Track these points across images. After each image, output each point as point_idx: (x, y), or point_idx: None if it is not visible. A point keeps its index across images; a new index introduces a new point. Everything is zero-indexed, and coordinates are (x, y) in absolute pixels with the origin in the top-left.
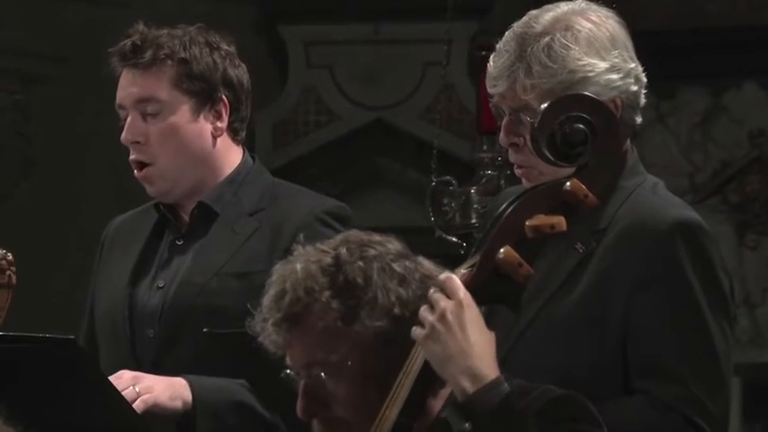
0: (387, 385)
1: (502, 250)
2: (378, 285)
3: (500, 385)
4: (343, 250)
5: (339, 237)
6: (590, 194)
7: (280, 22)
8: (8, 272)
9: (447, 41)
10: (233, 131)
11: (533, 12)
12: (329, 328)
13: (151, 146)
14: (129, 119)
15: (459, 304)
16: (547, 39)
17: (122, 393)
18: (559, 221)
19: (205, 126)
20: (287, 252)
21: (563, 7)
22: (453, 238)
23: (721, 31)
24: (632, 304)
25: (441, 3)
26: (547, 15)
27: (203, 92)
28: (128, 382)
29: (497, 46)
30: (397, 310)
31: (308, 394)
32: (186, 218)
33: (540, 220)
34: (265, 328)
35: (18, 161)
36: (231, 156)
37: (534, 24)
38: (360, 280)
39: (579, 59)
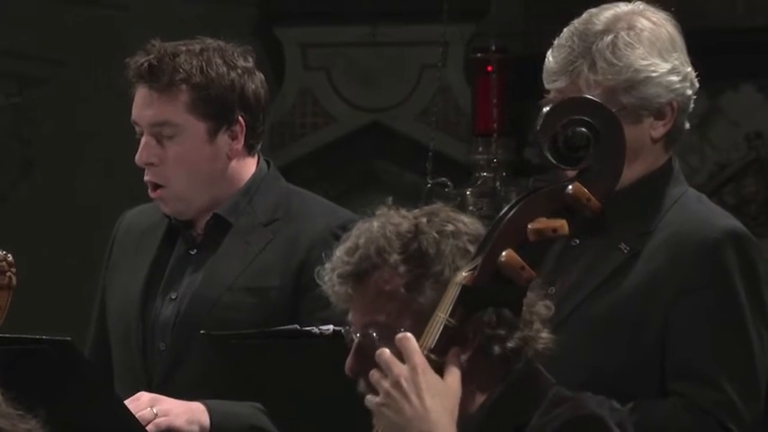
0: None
1: (504, 253)
2: (447, 261)
3: None
4: (424, 220)
5: (428, 207)
6: (592, 198)
7: (276, 24)
8: (8, 273)
9: (443, 44)
10: (249, 148)
11: (593, 9)
12: (392, 292)
13: (165, 168)
14: (143, 140)
15: (414, 370)
16: (611, 36)
17: (139, 414)
18: (561, 225)
19: (221, 148)
20: (301, 267)
21: (623, 7)
22: None
23: (719, 33)
24: (676, 307)
25: (437, 5)
26: (607, 13)
27: (220, 114)
28: (145, 404)
29: (556, 41)
30: None
31: (360, 353)
32: (199, 227)
33: (542, 223)
34: (332, 279)
35: (16, 163)
36: (246, 168)
37: (596, 21)
38: (431, 251)
39: (644, 59)
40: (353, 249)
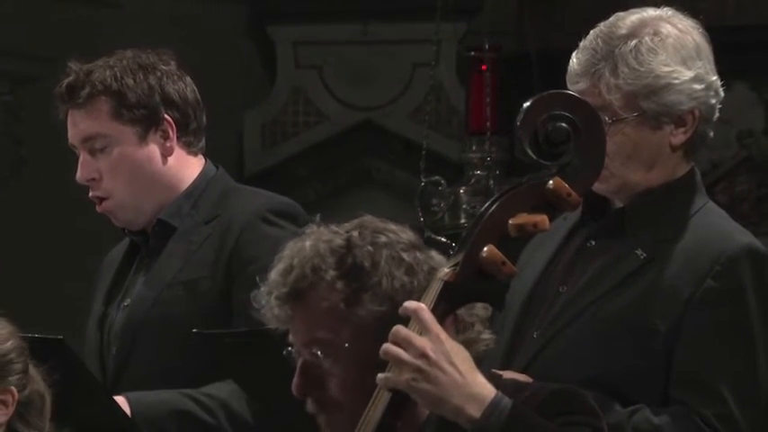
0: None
1: (485, 249)
2: (384, 271)
3: (502, 399)
4: (356, 234)
5: (356, 221)
6: (573, 193)
7: (269, 23)
8: None
9: (436, 42)
10: (186, 145)
11: (620, 13)
12: (331, 309)
13: (106, 180)
14: (80, 158)
15: (438, 338)
16: (635, 41)
17: None
18: (542, 220)
19: (154, 149)
20: (231, 253)
21: (650, 12)
22: (442, 239)
23: (710, 32)
24: (687, 317)
25: (429, 3)
26: (633, 17)
27: (145, 117)
28: None
29: (581, 43)
30: (400, 298)
31: (305, 372)
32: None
33: (523, 218)
34: (269, 302)
35: (7, 161)
36: (188, 169)
37: (621, 25)
38: (367, 264)
39: (666, 65)
40: (288, 270)
